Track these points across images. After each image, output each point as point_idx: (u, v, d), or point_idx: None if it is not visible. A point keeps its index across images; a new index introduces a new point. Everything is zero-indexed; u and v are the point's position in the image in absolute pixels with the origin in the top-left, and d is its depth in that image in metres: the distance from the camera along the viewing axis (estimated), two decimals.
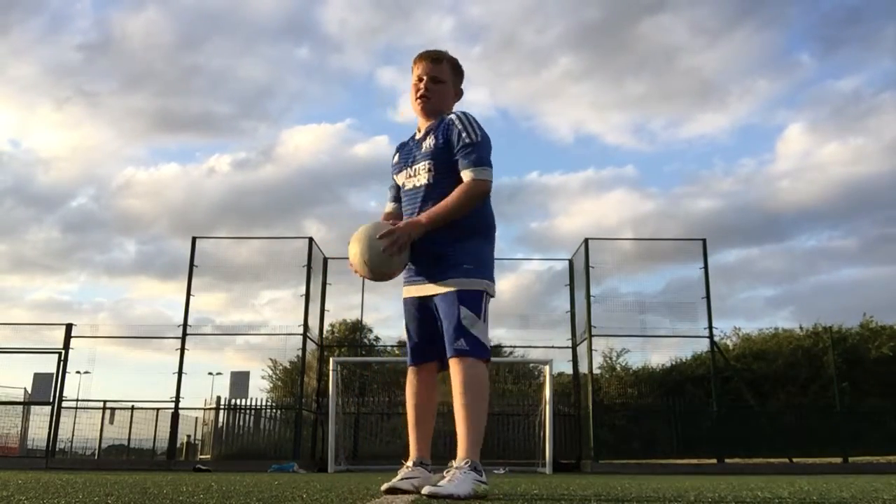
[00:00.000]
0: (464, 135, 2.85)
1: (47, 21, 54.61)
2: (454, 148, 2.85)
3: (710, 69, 52.79)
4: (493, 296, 2.86)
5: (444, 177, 2.87)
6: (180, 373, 13.49)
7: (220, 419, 14.46)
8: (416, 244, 2.82)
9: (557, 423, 12.21)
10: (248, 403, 14.34)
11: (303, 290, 13.95)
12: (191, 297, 13.97)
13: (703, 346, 14.42)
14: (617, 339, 15.63)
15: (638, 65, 51.79)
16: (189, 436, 18.13)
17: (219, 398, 14.59)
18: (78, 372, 14.25)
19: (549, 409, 12.10)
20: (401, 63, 58.05)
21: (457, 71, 3.12)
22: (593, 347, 13.80)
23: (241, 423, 14.44)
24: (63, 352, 13.61)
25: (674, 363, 20.97)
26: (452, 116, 2.94)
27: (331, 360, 12.48)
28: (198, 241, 14.54)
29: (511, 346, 18.56)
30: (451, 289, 2.77)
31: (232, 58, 55.09)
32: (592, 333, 13.76)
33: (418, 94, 3.01)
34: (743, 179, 52.20)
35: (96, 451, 16.88)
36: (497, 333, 16.85)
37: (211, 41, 56.29)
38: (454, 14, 54.74)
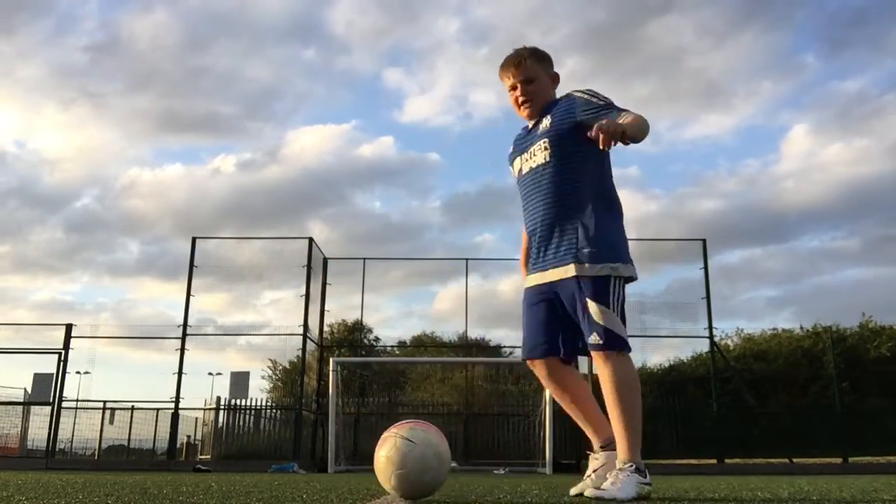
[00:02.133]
0: (594, 100, 2.71)
1: (54, 23, 54.60)
2: (582, 113, 2.70)
3: (715, 70, 52.79)
4: (630, 278, 2.69)
5: (563, 151, 2.76)
6: (180, 373, 13.50)
7: (220, 419, 14.47)
8: (536, 233, 2.77)
9: (557, 424, 12.19)
10: (248, 404, 14.35)
11: (304, 290, 13.97)
12: (191, 297, 13.98)
13: (703, 346, 14.44)
14: None
15: (644, 66, 51.79)
16: (189, 436, 18.13)
17: (219, 398, 14.60)
18: (78, 372, 14.27)
19: (549, 410, 12.09)
20: (408, 64, 57.97)
21: (542, 59, 2.97)
22: None
23: (241, 423, 14.44)
24: (63, 352, 13.61)
25: (674, 363, 20.99)
26: (571, 92, 2.83)
27: (331, 360, 12.47)
28: (200, 241, 14.56)
29: (511, 347, 18.58)
30: (572, 275, 2.65)
31: (238, 59, 55.05)
32: None
33: (519, 103, 2.94)
34: (747, 180, 52.19)
35: (96, 452, 16.89)
36: (497, 334, 16.86)
37: (218, 42, 56.26)
38: (461, 15, 54.69)
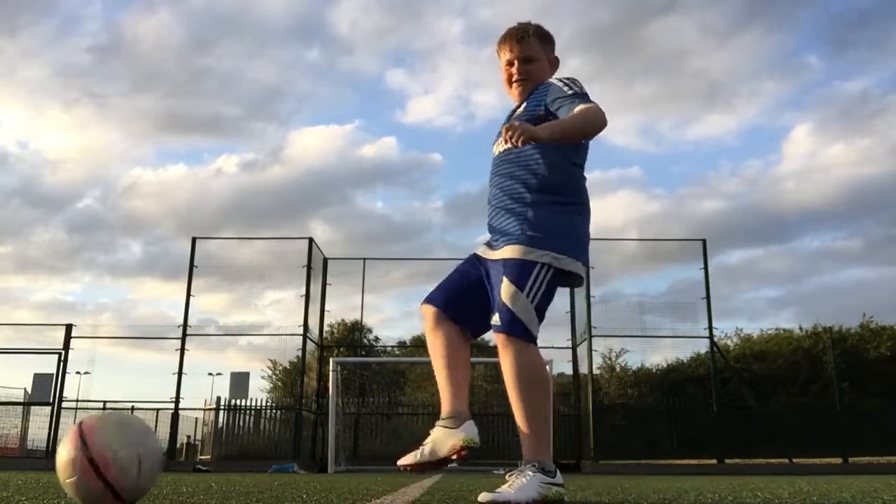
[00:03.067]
0: (565, 88, 2.55)
1: (57, 24, 54.71)
2: (553, 102, 2.56)
3: (718, 71, 52.87)
4: (563, 270, 2.49)
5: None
6: (180, 373, 13.50)
7: (220, 420, 14.47)
8: (490, 214, 2.65)
9: (557, 424, 12.20)
10: (248, 404, 14.35)
11: (304, 290, 13.98)
12: (191, 297, 13.98)
13: (703, 346, 14.43)
14: (617, 339, 15.64)
15: (647, 66, 51.87)
16: (189, 436, 18.13)
17: (219, 399, 14.60)
18: (78, 372, 14.28)
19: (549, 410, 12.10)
20: (411, 65, 58.06)
21: (545, 40, 2.81)
22: (593, 348, 13.81)
23: (241, 423, 14.44)
24: (63, 352, 13.61)
25: (674, 364, 20.98)
26: (550, 79, 2.69)
27: (331, 360, 12.48)
28: (202, 241, 14.57)
29: None
30: (502, 256, 2.52)
31: (242, 59, 55.17)
32: (592, 334, 13.76)
33: (513, 80, 2.77)
34: (749, 180, 52.28)
35: None
36: None
37: (221, 43, 56.35)
38: (464, 16, 54.81)
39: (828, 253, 48.70)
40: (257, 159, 57.19)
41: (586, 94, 2.54)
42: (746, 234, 47.69)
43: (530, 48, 2.76)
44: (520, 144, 2.29)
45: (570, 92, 2.54)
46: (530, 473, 2.34)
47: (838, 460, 13.13)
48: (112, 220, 55.47)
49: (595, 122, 2.41)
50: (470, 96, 57.13)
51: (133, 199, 54.80)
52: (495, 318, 2.49)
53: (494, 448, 14.35)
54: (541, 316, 2.50)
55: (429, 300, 2.72)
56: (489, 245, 2.67)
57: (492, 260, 2.59)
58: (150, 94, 54.49)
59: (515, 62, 2.76)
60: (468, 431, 2.55)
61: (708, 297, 13.87)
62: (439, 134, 60.22)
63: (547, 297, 2.49)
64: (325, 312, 15.16)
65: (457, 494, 2.87)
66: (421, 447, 2.58)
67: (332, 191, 57.09)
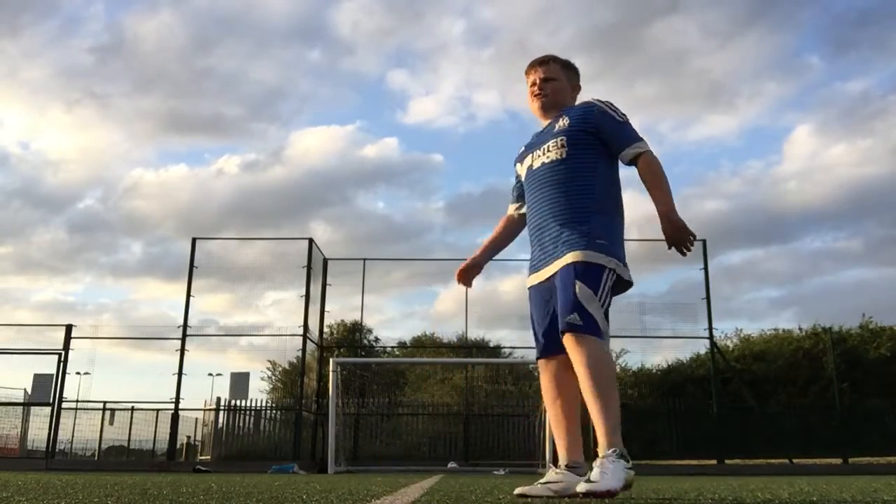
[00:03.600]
0: (612, 114, 2.85)
1: (59, 24, 54.73)
2: (600, 126, 2.83)
3: (720, 71, 52.86)
4: (622, 277, 2.70)
5: (578, 150, 2.83)
6: (180, 374, 13.49)
7: (220, 420, 14.47)
8: (542, 227, 2.83)
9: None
10: (248, 404, 14.36)
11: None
12: (192, 298, 13.98)
13: (703, 347, 14.43)
14: (617, 340, 15.64)
15: (649, 67, 51.87)
16: (189, 437, 18.15)
17: (219, 399, 14.60)
18: (78, 373, 14.27)
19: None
20: (412, 66, 58.05)
21: (568, 67, 3.12)
22: None
23: (241, 424, 14.44)
24: (63, 353, 13.61)
25: (674, 364, 20.96)
26: (591, 100, 2.94)
27: (331, 360, 12.48)
28: (203, 242, 14.57)
29: (511, 347, 18.58)
30: (570, 261, 2.66)
31: (244, 60, 55.15)
32: None
33: (534, 94, 3.05)
34: (750, 181, 52.26)
35: (96, 452, 16.90)
36: (498, 334, 16.86)
37: (223, 44, 56.33)
38: (466, 17, 54.78)
39: (828, 253, 48.69)
40: (259, 160, 57.24)
41: (629, 122, 2.87)
42: (747, 234, 47.68)
43: (551, 70, 3.06)
44: (692, 248, 2.67)
45: (619, 119, 2.84)
46: (614, 459, 2.45)
47: (838, 461, 13.12)
48: (113, 220, 55.54)
49: (661, 169, 2.80)
50: (471, 97, 57.17)
51: (134, 199, 54.87)
52: (572, 318, 2.58)
53: (495, 448, 14.36)
54: (607, 321, 2.65)
55: (546, 354, 2.82)
56: (535, 268, 2.86)
57: (557, 272, 2.71)
58: (151, 95, 54.55)
59: (538, 81, 3.05)
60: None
61: (708, 298, 13.88)
62: (440, 134, 60.26)
63: (609, 302, 2.66)
64: (326, 313, 15.18)
65: (457, 495, 2.87)
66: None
67: (333, 191, 57.12)
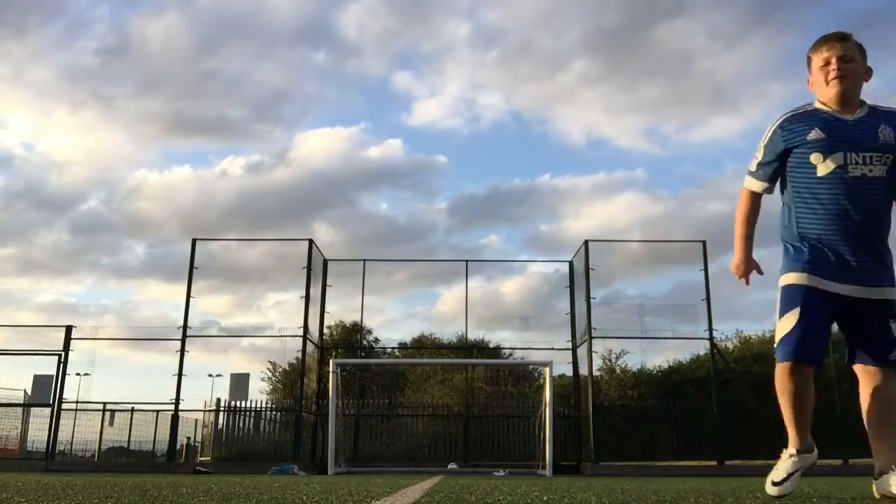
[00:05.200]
0: None
1: (65, 26, 54.78)
2: None
3: (724, 73, 52.94)
4: None
5: (892, 174, 2.71)
6: (180, 375, 13.49)
7: (220, 421, 14.47)
8: (863, 239, 2.75)
9: (557, 425, 12.21)
10: (248, 405, 14.35)
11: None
12: (193, 299, 14.00)
13: (703, 348, 14.43)
14: (617, 340, 15.64)
15: (653, 68, 51.91)
16: (189, 438, 18.12)
17: (219, 400, 14.60)
18: (78, 374, 14.27)
19: (550, 411, 12.09)
20: (417, 68, 58.09)
21: (862, 49, 2.83)
22: (593, 349, 13.81)
23: (241, 424, 14.44)
24: (63, 354, 13.61)
25: (674, 365, 20.96)
26: None
27: (331, 361, 12.48)
28: (205, 243, 14.58)
29: (511, 348, 18.58)
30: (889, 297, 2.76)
31: (249, 62, 55.21)
32: (592, 335, 13.76)
33: (831, 77, 2.74)
34: None
35: (96, 453, 16.87)
36: (498, 335, 16.86)
37: (228, 46, 56.37)
38: (471, 19, 54.83)
39: None
40: (263, 161, 57.28)
41: None
42: None
43: (850, 48, 2.77)
44: None
45: None
46: None
47: (838, 462, 13.11)
48: (116, 221, 55.58)
49: None
50: (476, 98, 57.22)
51: (138, 200, 54.90)
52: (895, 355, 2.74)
53: (495, 450, 14.35)
54: None
55: (808, 360, 2.78)
56: (834, 274, 2.73)
57: (873, 301, 2.73)
58: (156, 97, 54.59)
59: (834, 59, 2.76)
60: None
61: (708, 299, 13.89)
62: (444, 136, 60.32)
63: None
64: (326, 314, 15.18)
65: (456, 496, 2.87)
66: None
67: (337, 192, 57.16)
